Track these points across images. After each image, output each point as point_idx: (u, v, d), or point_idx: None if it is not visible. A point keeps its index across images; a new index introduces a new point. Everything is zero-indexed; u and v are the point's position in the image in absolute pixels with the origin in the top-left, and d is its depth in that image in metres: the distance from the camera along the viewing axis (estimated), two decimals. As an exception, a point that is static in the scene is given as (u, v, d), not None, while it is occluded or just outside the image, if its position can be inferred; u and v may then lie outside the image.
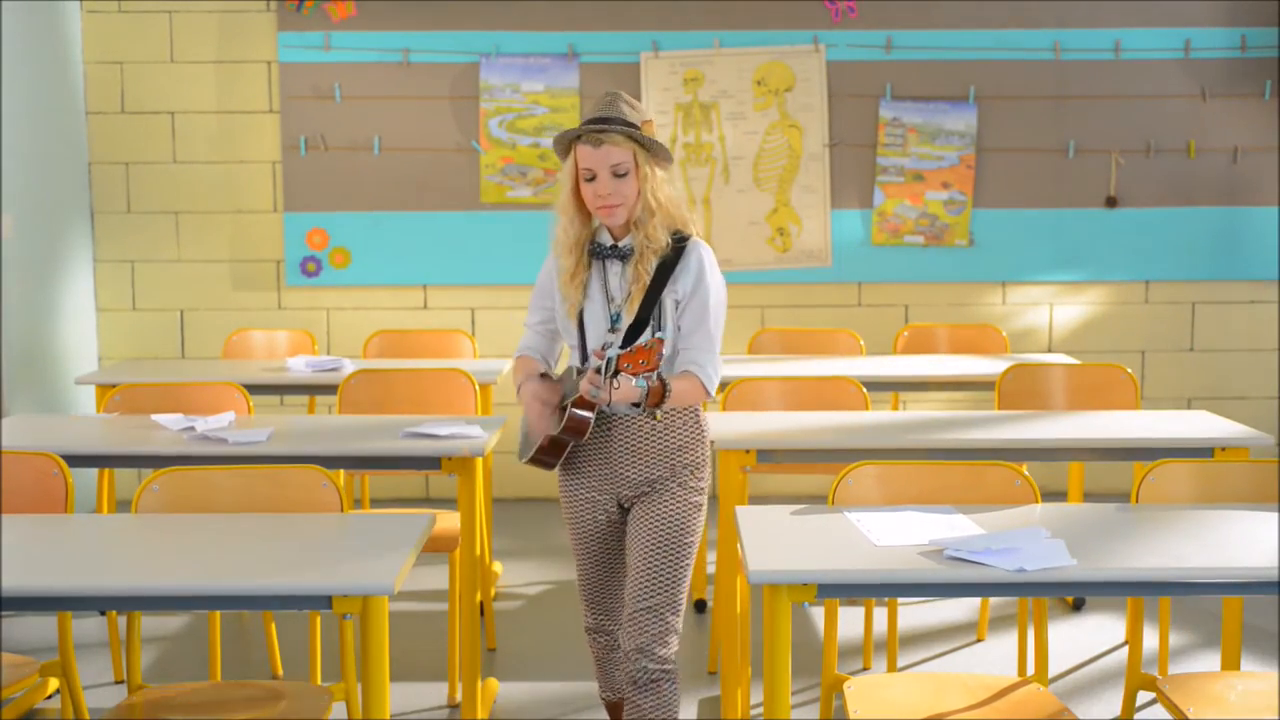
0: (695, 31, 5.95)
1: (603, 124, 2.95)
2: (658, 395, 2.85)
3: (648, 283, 2.95)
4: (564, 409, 2.95)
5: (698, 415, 3.01)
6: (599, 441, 3.00)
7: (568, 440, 2.96)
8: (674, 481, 2.97)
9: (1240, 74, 5.96)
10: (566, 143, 3.01)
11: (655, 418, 2.94)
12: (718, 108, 5.99)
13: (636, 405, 2.87)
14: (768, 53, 5.98)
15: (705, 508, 3.03)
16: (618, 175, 2.94)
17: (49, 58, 5.73)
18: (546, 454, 2.99)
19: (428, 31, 5.94)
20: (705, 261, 2.98)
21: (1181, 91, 5.99)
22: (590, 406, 2.91)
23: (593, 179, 2.95)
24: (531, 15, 5.92)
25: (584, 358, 3.01)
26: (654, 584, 2.91)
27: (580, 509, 3.06)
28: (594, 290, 3.01)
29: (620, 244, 3.00)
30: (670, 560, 2.94)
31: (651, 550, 2.93)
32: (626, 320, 2.94)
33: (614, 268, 3.00)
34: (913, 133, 6.00)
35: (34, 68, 5.55)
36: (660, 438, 2.97)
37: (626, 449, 2.99)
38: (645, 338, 2.92)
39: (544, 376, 3.12)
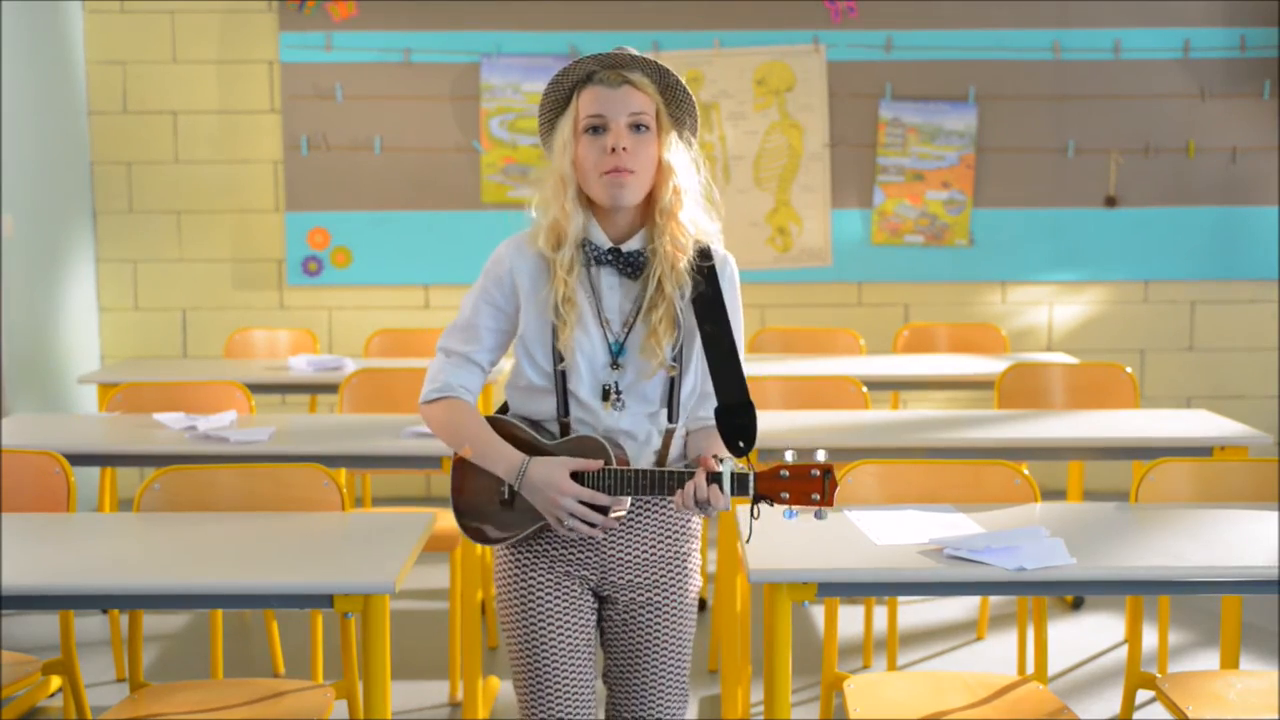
0: (695, 31, 5.96)
1: (621, 62, 2.24)
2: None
3: (680, 308, 2.23)
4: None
5: None
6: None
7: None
8: (676, 564, 2.37)
9: (1239, 74, 5.97)
10: (568, 88, 2.26)
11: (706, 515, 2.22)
12: (718, 108, 6.00)
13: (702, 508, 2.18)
14: (768, 53, 5.98)
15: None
16: (635, 130, 2.21)
17: (51, 57, 5.73)
18: (533, 534, 2.31)
19: (429, 31, 5.94)
20: (737, 277, 2.33)
21: (1180, 91, 5.99)
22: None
23: (603, 130, 2.21)
24: (532, 15, 5.93)
25: (565, 407, 2.28)
26: (672, 696, 2.39)
27: (544, 601, 2.33)
28: (583, 310, 2.26)
29: (624, 249, 2.27)
30: (684, 666, 2.42)
31: (669, 668, 2.38)
32: (647, 360, 2.23)
33: (608, 279, 2.27)
34: (913, 132, 6.00)
35: (36, 67, 5.56)
36: (660, 504, 2.34)
37: (620, 524, 2.32)
38: (787, 456, 2.14)
39: (500, 428, 2.30)
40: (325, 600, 2.37)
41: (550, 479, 2.21)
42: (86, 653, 4.09)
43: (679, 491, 2.15)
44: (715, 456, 2.17)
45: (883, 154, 6.02)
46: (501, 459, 2.26)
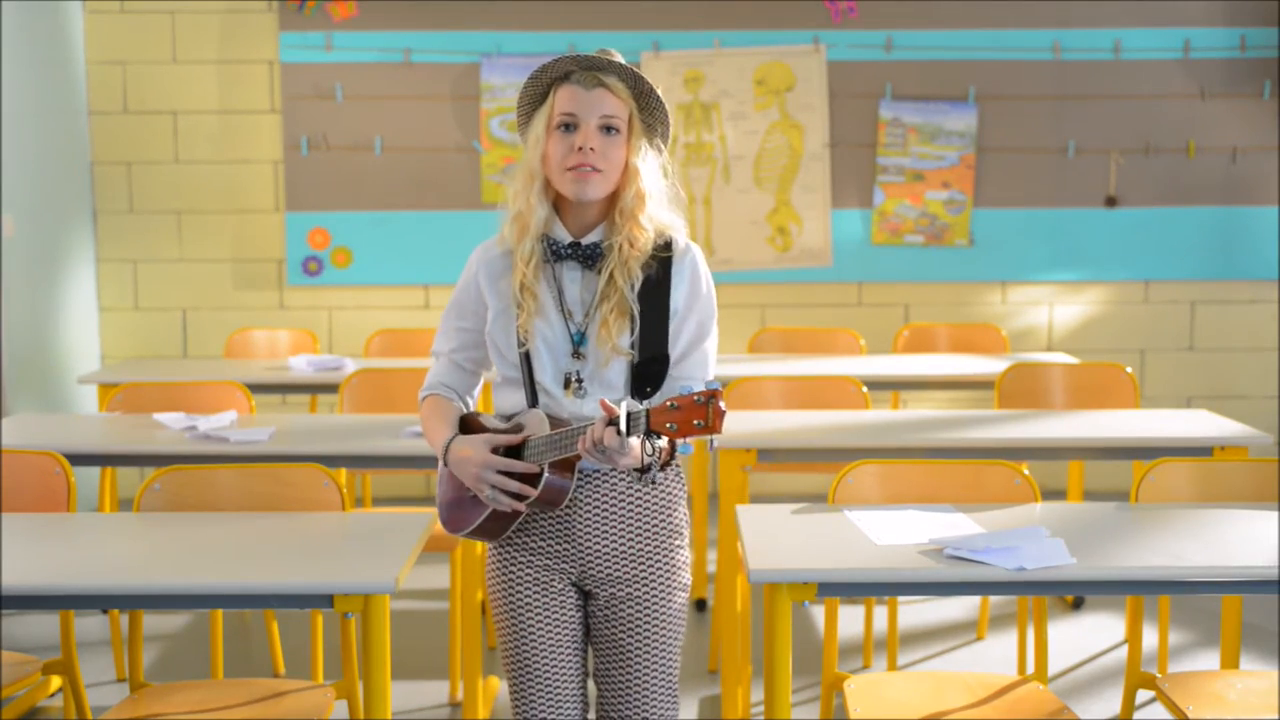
0: (695, 31, 5.96)
1: (598, 65, 2.31)
2: (668, 455, 2.18)
3: (631, 300, 2.30)
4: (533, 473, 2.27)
5: (679, 463, 2.40)
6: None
7: (535, 512, 2.32)
8: (660, 559, 2.37)
9: (1239, 74, 5.97)
10: (546, 84, 2.33)
11: (651, 483, 2.18)
12: (718, 108, 6.00)
13: (642, 470, 2.16)
14: (768, 53, 5.98)
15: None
16: (606, 132, 2.29)
17: (51, 57, 5.73)
18: (491, 528, 2.34)
19: (429, 31, 5.94)
20: (700, 267, 2.37)
21: (1181, 91, 5.99)
22: (571, 469, 2.26)
23: (573, 128, 2.28)
24: (532, 15, 5.93)
25: (533, 396, 2.33)
26: (660, 696, 2.39)
27: (526, 594, 2.37)
28: (545, 301, 2.33)
29: (583, 242, 2.33)
30: (672, 668, 2.41)
31: (656, 668, 2.38)
32: (601, 349, 2.29)
33: (570, 273, 2.33)
34: (913, 133, 6.00)
35: (36, 67, 5.56)
36: (639, 496, 2.36)
37: (595, 515, 2.34)
38: (677, 385, 2.22)
39: (467, 425, 2.40)
40: (325, 600, 2.38)
41: (469, 453, 2.28)
42: (86, 653, 4.09)
43: (580, 439, 2.15)
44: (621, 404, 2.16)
45: (883, 154, 6.02)
46: (435, 442, 2.38)
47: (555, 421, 2.29)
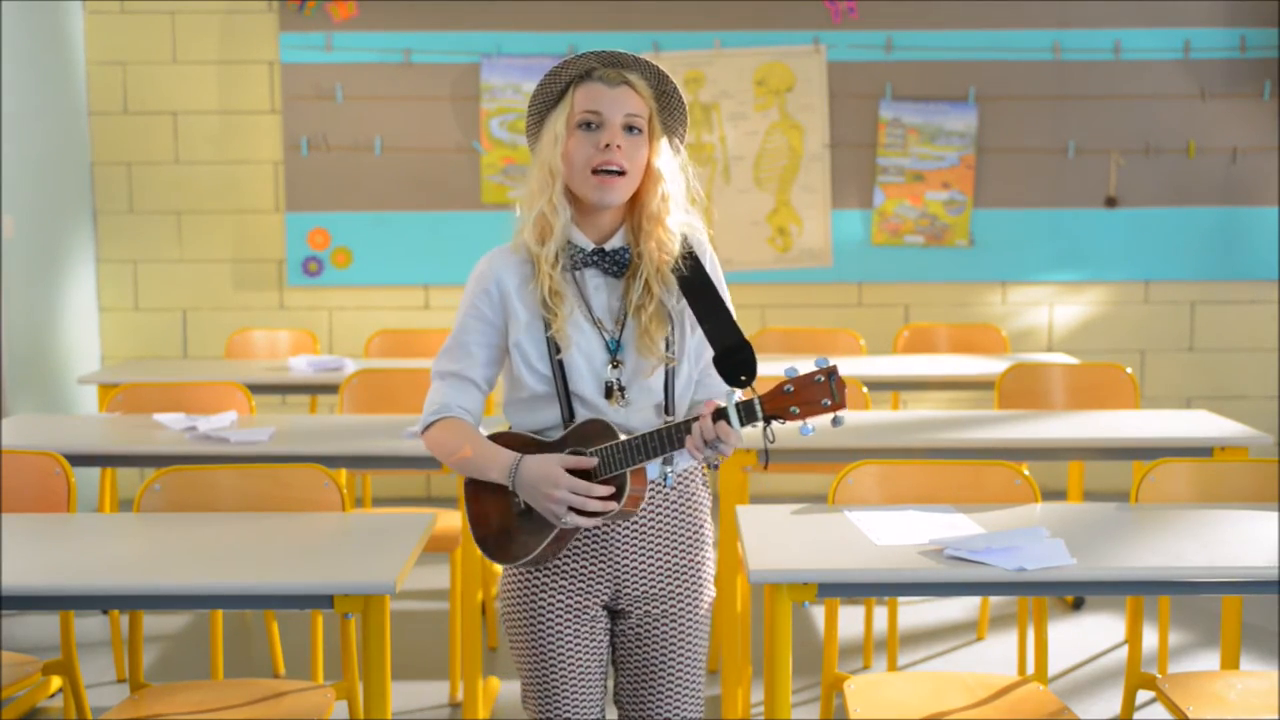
0: (695, 32, 5.96)
1: (622, 61, 2.22)
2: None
3: (670, 306, 2.24)
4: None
5: (703, 470, 2.36)
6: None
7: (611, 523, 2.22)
8: (691, 572, 2.32)
9: (1239, 74, 5.97)
10: (564, 82, 2.23)
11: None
12: (718, 108, 6.00)
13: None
14: (768, 53, 5.98)
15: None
16: (628, 132, 2.20)
17: (51, 58, 5.73)
18: (547, 552, 2.23)
19: (429, 32, 5.94)
20: (718, 264, 2.31)
21: (1181, 92, 5.99)
22: (643, 474, 2.16)
23: (596, 127, 2.20)
24: (532, 15, 5.93)
25: (570, 412, 2.23)
26: (688, 707, 2.34)
27: (555, 622, 2.28)
28: (573, 308, 2.24)
29: (607, 248, 2.25)
30: (701, 678, 2.36)
31: (685, 681, 2.33)
32: (646, 357, 2.21)
33: (593, 280, 2.25)
34: (913, 133, 6.00)
35: (36, 68, 5.56)
36: (672, 508, 2.30)
37: (632, 530, 2.27)
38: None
39: (508, 444, 2.25)
40: (325, 600, 2.37)
41: (544, 472, 2.15)
42: (86, 653, 4.09)
43: (688, 437, 2.08)
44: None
45: (883, 154, 6.02)
46: (495, 463, 2.22)
47: (619, 430, 2.18)
